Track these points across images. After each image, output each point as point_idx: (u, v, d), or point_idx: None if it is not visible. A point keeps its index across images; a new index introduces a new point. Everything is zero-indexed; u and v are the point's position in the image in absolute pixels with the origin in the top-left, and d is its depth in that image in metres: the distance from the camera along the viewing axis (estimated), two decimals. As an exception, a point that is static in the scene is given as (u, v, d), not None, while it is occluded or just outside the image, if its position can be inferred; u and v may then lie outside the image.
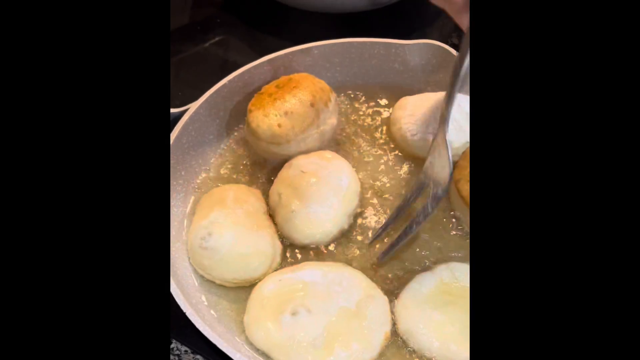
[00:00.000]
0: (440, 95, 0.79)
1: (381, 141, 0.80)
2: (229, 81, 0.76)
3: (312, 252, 0.69)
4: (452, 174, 0.62)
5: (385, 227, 0.69)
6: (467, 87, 0.66)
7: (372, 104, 0.85)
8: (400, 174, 0.76)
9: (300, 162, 0.72)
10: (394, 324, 0.62)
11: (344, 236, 0.70)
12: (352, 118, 0.83)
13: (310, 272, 0.62)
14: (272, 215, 0.71)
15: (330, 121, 0.76)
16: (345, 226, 0.70)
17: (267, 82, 0.78)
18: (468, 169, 0.68)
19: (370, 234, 0.70)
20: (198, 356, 0.64)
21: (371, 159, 0.78)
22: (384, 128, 0.81)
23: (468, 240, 0.68)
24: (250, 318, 0.60)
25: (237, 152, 0.79)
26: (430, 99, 0.78)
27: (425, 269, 0.65)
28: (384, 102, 0.84)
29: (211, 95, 0.75)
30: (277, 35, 0.99)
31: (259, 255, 0.64)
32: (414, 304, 0.61)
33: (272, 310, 0.60)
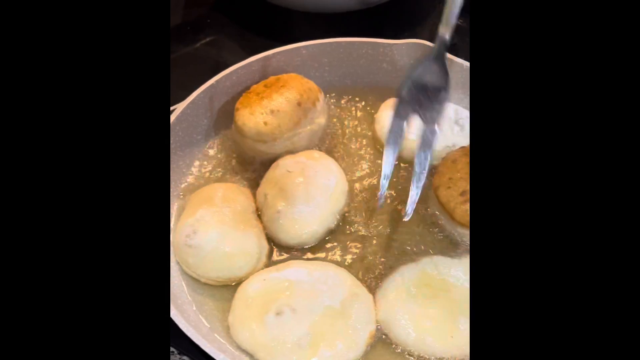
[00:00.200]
0: None
1: (369, 141, 0.80)
2: (217, 81, 0.76)
3: (298, 252, 0.69)
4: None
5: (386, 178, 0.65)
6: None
7: (360, 103, 0.85)
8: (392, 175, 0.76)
9: (287, 161, 0.72)
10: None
11: (331, 235, 0.70)
12: (341, 118, 0.83)
13: (295, 270, 0.62)
14: (259, 216, 0.71)
15: (319, 121, 0.76)
16: (332, 226, 0.70)
17: (255, 82, 0.78)
18: (447, 176, 0.68)
19: (357, 231, 0.70)
20: (185, 357, 0.64)
21: (359, 158, 0.78)
22: (371, 127, 0.81)
23: (448, 241, 0.69)
24: (235, 318, 0.60)
25: (225, 152, 0.79)
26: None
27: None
28: (372, 102, 0.84)
29: (198, 96, 0.74)
30: (268, 36, 0.99)
31: (244, 255, 0.64)
32: (394, 294, 0.62)
33: (256, 310, 0.59)
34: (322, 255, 0.68)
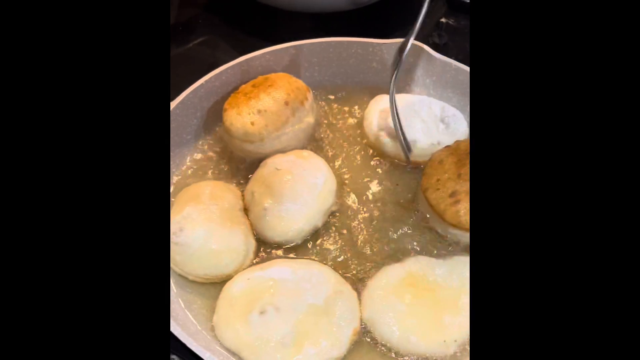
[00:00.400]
0: (417, 98, 0.79)
1: (359, 140, 0.80)
2: (206, 81, 0.77)
3: (285, 250, 0.69)
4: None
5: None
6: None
7: (350, 103, 0.85)
8: (379, 173, 0.77)
9: (275, 160, 0.72)
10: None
11: (318, 234, 0.70)
12: (330, 117, 0.83)
13: (279, 269, 0.63)
14: (247, 214, 0.71)
15: (307, 120, 0.77)
16: (319, 224, 0.70)
17: (245, 82, 0.78)
18: (434, 177, 0.69)
19: (344, 231, 0.71)
20: (174, 356, 0.64)
21: (349, 157, 0.79)
22: (361, 127, 0.81)
23: (443, 243, 0.69)
24: (219, 318, 0.60)
25: (215, 152, 0.79)
26: (404, 99, 0.79)
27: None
28: (362, 101, 0.85)
29: (187, 96, 0.75)
30: (259, 36, 0.99)
31: (231, 252, 0.65)
32: (379, 293, 0.62)
33: (240, 310, 0.60)
34: (307, 253, 0.69)
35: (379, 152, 0.78)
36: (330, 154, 0.79)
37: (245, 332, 0.58)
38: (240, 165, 0.77)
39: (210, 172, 0.77)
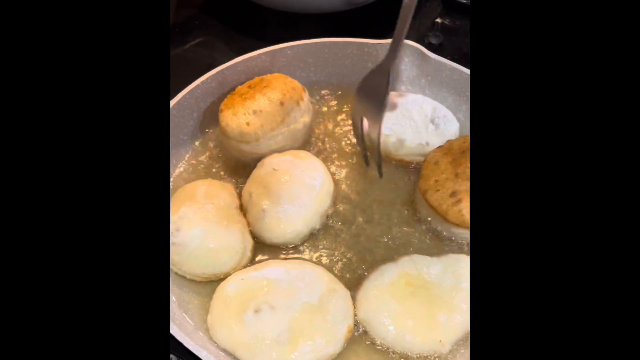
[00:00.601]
0: (410, 97, 0.80)
1: (354, 141, 0.81)
2: (202, 82, 0.77)
3: (282, 251, 0.69)
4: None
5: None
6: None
7: (346, 103, 0.85)
8: (374, 173, 0.77)
9: (272, 160, 0.72)
10: (355, 315, 0.63)
11: (315, 235, 0.71)
12: (326, 117, 0.83)
13: (273, 269, 0.63)
14: (244, 214, 0.71)
15: (303, 120, 0.77)
16: (317, 226, 0.70)
17: (241, 83, 0.79)
18: (432, 179, 0.69)
19: (340, 232, 0.71)
20: (171, 356, 0.64)
21: (345, 158, 0.79)
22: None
23: (437, 242, 0.70)
24: (214, 318, 0.61)
25: (211, 152, 0.79)
26: (398, 98, 0.79)
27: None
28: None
29: (184, 96, 0.75)
30: (256, 37, 1.00)
31: (228, 250, 0.65)
32: (374, 293, 0.62)
33: (235, 309, 0.60)
34: (304, 255, 0.69)
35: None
36: (326, 154, 0.79)
37: (240, 330, 0.58)
38: (237, 165, 0.77)
39: (207, 172, 0.77)
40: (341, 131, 0.82)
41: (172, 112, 0.75)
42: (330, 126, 0.83)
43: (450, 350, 0.60)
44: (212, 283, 0.66)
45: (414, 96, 0.80)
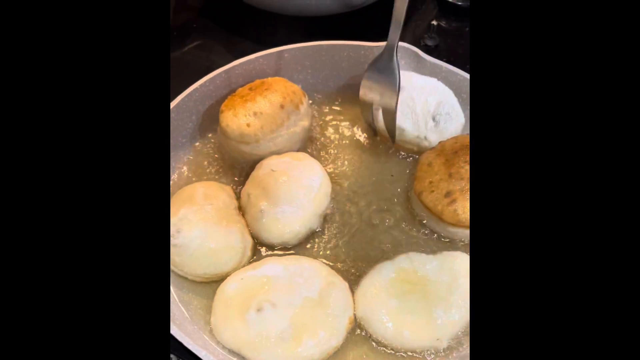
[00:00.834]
0: (421, 82, 0.79)
1: (352, 142, 0.82)
2: (201, 85, 0.78)
3: (280, 251, 0.70)
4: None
5: None
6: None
7: (342, 105, 0.86)
8: (371, 176, 0.78)
9: (271, 161, 0.73)
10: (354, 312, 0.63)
11: (313, 236, 0.71)
12: (323, 120, 0.84)
13: (271, 267, 0.64)
14: (243, 215, 0.72)
15: (302, 123, 0.78)
16: (315, 226, 0.71)
17: (239, 85, 0.80)
18: (426, 180, 0.70)
19: (338, 233, 0.72)
20: (171, 355, 0.65)
21: (342, 160, 0.80)
22: (354, 129, 0.83)
23: (434, 240, 0.71)
24: (217, 319, 0.61)
25: (210, 155, 0.80)
26: (410, 80, 0.79)
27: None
28: (354, 103, 0.85)
29: (183, 99, 0.76)
30: (254, 40, 1.01)
31: (229, 249, 0.66)
32: (372, 291, 0.63)
33: (237, 309, 0.61)
34: (302, 254, 0.69)
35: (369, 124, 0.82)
36: (323, 156, 0.80)
37: (244, 330, 0.59)
38: (236, 167, 0.78)
39: (205, 174, 0.78)
40: (338, 133, 0.83)
41: (171, 115, 0.75)
42: (327, 127, 0.83)
43: (448, 345, 0.61)
44: (211, 284, 0.67)
45: (424, 82, 0.79)
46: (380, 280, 0.64)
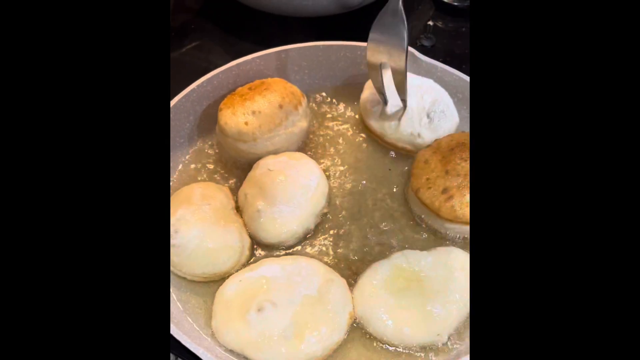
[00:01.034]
0: (417, 81, 0.80)
1: (349, 142, 0.82)
2: (198, 85, 0.79)
3: (278, 251, 0.70)
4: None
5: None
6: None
7: (340, 105, 0.87)
8: (368, 175, 0.79)
9: (268, 161, 0.74)
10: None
11: (310, 236, 0.72)
12: (320, 120, 0.85)
13: (268, 267, 0.64)
14: (241, 215, 0.72)
15: (300, 124, 0.78)
16: (312, 226, 0.72)
17: (237, 86, 0.80)
18: (423, 177, 0.71)
19: (334, 233, 0.72)
20: (170, 354, 0.65)
21: (339, 160, 0.80)
22: (351, 129, 0.83)
23: (431, 237, 0.71)
24: (218, 322, 0.62)
25: (208, 155, 0.81)
26: (408, 79, 0.79)
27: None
28: (351, 103, 0.86)
29: (180, 100, 0.77)
30: (251, 40, 1.01)
31: (227, 249, 0.66)
32: (370, 290, 0.64)
33: (238, 311, 0.61)
34: (299, 253, 0.70)
35: (367, 129, 0.82)
36: (319, 155, 0.81)
37: (247, 330, 0.59)
38: (233, 168, 0.79)
39: (203, 175, 0.78)
40: (334, 132, 0.83)
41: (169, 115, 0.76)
42: (323, 127, 0.84)
43: (448, 339, 0.62)
44: (209, 283, 0.67)
45: (420, 81, 0.80)
46: (377, 278, 0.64)
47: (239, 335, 0.60)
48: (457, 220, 0.68)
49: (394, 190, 0.77)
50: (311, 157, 0.78)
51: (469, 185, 0.68)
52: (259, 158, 0.76)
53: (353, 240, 0.72)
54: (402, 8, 0.68)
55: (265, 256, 0.70)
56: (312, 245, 0.71)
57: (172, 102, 0.76)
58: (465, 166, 0.69)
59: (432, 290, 0.62)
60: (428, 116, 0.77)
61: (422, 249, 0.68)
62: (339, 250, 0.71)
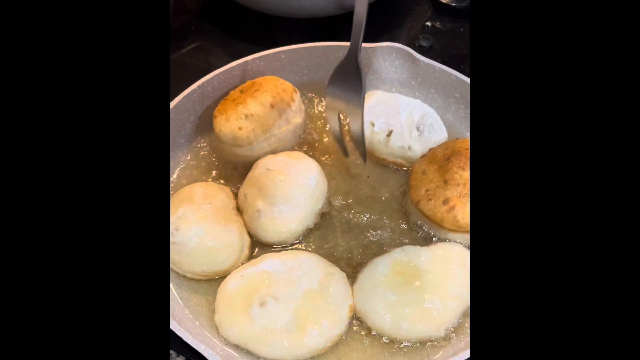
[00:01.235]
0: (406, 100, 0.82)
1: (348, 143, 0.83)
2: (199, 86, 0.79)
3: (276, 250, 0.71)
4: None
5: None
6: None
7: (338, 105, 0.87)
8: (368, 173, 0.79)
9: (267, 161, 0.74)
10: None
11: (309, 234, 0.73)
12: (319, 119, 0.85)
13: (269, 262, 0.65)
14: (241, 215, 0.73)
15: (295, 120, 0.79)
16: (311, 225, 0.72)
17: (237, 86, 0.80)
18: (422, 189, 0.71)
19: (334, 231, 0.73)
20: (171, 352, 0.66)
21: (338, 159, 0.81)
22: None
23: (430, 234, 0.72)
24: (221, 317, 0.63)
25: (209, 155, 0.81)
26: (394, 99, 0.81)
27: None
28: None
29: (181, 100, 0.77)
30: (251, 41, 1.01)
31: (227, 248, 0.67)
32: (369, 285, 0.65)
33: (240, 305, 0.62)
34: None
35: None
36: (319, 155, 0.81)
37: (250, 324, 0.60)
38: (234, 168, 0.79)
39: (204, 174, 0.79)
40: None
41: (170, 116, 0.76)
42: (323, 127, 0.85)
43: (446, 334, 0.63)
44: (211, 282, 0.68)
45: (409, 100, 0.82)
46: (377, 274, 0.65)
47: (243, 330, 0.61)
48: (461, 229, 0.68)
49: (393, 187, 0.77)
50: (310, 155, 0.78)
51: (469, 193, 0.68)
52: (258, 159, 0.76)
53: (353, 237, 0.72)
54: (360, 62, 0.69)
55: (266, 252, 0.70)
56: (312, 243, 0.72)
57: (173, 103, 0.77)
58: (463, 175, 0.69)
59: (431, 285, 0.63)
60: (418, 129, 0.78)
61: (422, 244, 0.69)
62: (338, 247, 0.71)
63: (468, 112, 0.84)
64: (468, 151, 0.72)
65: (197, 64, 0.99)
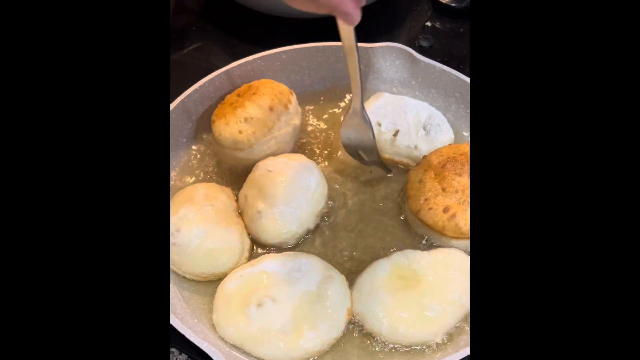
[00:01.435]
0: (413, 102, 0.82)
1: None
2: (200, 86, 0.79)
3: (276, 251, 0.71)
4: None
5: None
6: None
7: (339, 106, 0.88)
8: (367, 173, 0.79)
9: (267, 162, 0.74)
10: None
11: (309, 236, 0.73)
12: (320, 120, 0.86)
13: (269, 263, 0.65)
14: (241, 217, 0.73)
15: (293, 122, 0.79)
16: (312, 227, 0.72)
17: (238, 87, 0.81)
18: (421, 198, 0.70)
19: (334, 233, 0.73)
20: (172, 349, 0.66)
21: (338, 159, 0.81)
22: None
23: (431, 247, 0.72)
24: (219, 316, 0.63)
25: (210, 155, 0.82)
26: (402, 100, 0.82)
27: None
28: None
29: (182, 100, 0.78)
30: (252, 42, 1.02)
31: (227, 250, 0.67)
32: (368, 288, 0.64)
33: (238, 306, 0.62)
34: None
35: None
36: (319, 156, 0.81)
37: (246, 325, 0.60)
38: (234, 171, 0.79)
39: (205, 175, 0.79)
40: (334, 133, 0.84)
41: (171, 116, 0.77)
42: (323, 128, 0.85)
43: (442, 340, 0.63)
44: (211, 282, 0.68)
45: (416, 102, 0.82)
46: (376, 276, 0.65)
47: (239, 330, 0.61)
48: (463, 237, 0.68)
49: (394, 189, 0.77)
50: (310, 157, 0.78)
51: (469, 199, 0.68)
52: (258, 162, 0.76)
53: (353, 239, 0.72)
54: (363, 108, 0.71)
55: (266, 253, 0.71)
56: (312, 245, 0.72)
57: (174, 103, 0.77)
58: (461, 181, 0.69)
59: (430, 290, 0.63)
60: (424, 128, 0.78)
61: (422, 248, 0.69)
62: (338, 249, 0.71)
63: (468, 111, 0.84)
64: (463, 157, 0.72)
65: (198, 64, 0.99)
